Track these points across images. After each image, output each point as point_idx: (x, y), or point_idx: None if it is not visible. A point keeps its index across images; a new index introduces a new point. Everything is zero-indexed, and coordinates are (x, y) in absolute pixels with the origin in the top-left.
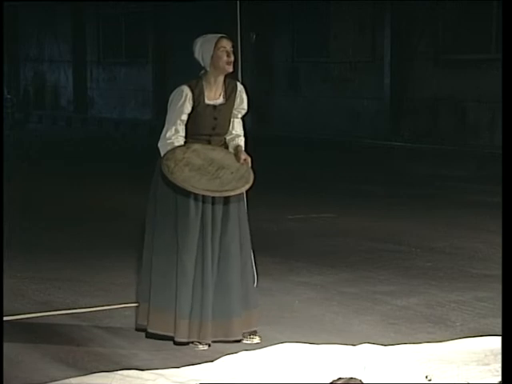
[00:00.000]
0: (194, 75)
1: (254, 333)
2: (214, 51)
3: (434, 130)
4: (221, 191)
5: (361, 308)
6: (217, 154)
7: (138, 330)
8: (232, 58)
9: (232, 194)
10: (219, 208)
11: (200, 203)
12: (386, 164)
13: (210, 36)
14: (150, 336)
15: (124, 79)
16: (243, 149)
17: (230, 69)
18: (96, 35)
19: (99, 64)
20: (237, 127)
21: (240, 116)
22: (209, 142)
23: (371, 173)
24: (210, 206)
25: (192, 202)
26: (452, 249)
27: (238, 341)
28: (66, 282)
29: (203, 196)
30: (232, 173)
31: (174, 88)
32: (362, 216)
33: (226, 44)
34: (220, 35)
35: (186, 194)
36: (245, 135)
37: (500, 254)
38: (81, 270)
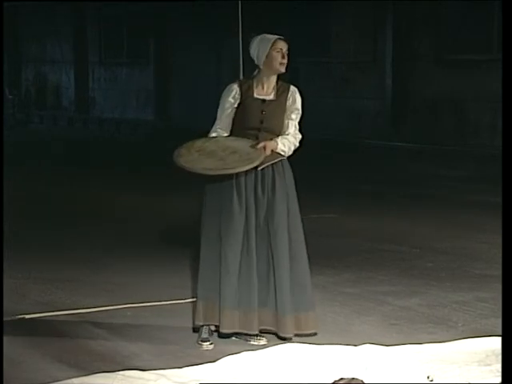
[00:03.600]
0: (196, 75)
1: (262, 334)
2: (270, 51)
3: (434, 130)
4: (219, 169)
5: (362, 308)
6: (236, 143)
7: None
8: (286, 60)
9: (230, 171)
10: (263, 203)
11: (244, 198)
12: (386, 164)
13: (268, 36)
14: (197, 330)
15: (125, 79)
16: (280, 145)
17: (283, 69)
18: (97, 35)
19: (100, 64)
20: (290, 128)
21: (294, 117)
22: (257, 138)
23: (372, 173)
24: (253, 201)
25: (235, 196)
26: (453, 249)
27: (289, 339)
28: (67, 283)
29: (246, 191)
30: (241, 156)
31: (176, 88)
32: (362, 216)
33: (283, 46)
34: (278, 36)
35: (231, 189)
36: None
37: (501, 254)
38: (82, 270)
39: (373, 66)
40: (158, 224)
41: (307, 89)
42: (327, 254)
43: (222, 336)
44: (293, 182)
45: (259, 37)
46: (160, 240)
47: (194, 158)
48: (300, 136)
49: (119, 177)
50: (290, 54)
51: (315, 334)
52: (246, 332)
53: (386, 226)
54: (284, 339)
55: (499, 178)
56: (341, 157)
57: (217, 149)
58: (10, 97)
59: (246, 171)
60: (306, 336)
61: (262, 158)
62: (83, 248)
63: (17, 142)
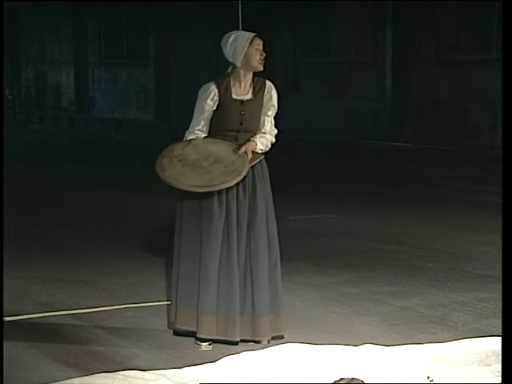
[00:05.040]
0: (196, 75)
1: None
2: (248, 49)
3: (435, 131)
4: (208, 186)
5: (362, 308)
6: (217, 147)
7: (170, 328)
8: (263, 57)
9: (219, 188)
10: (245, 206)
11: (224, 202)
12: (386, 164)
13: (244, 33)
14: (177, 333)
15: (125, 79)
16: (259, 144)
17: (261, 67)
18: (97, 35)
19: (101, 64)
20: (266, 125)
21: (270, 114)
22: (236, 139)
23: (372, 173)
24: (235, 204)
25: (216, 200)
26: (453, 249)
27: (267, 342)
28: (67, 283)
29: (227, 194)
30: (225, 166)
31: (176, 88)
32: (362, 216)
33: (260, 43)
34: (254, 33)
35: (211, 192)
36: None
37: (501, 254)
38: (82, 271)
39: (373, 67)
40: (158, 224)
41: (308, 89)
42: (327, 254)
43: (201, 339)
44: (269, 181)
45: (233, 34)
46: (160, 240)
47: (178, 170)
48: (276, 131)
49: (119, 177)
50: (290, 54)
51: (283, 336)
52: (226, 339)
53: (385, 226)
54: (260, 342)
55: (499, 178)
56: (341, 157)
57: (199, 157)
58: (10, 97)
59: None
60: (277, 338)
61: (247, 167)
62: (83, 248)
63: (17, 142)
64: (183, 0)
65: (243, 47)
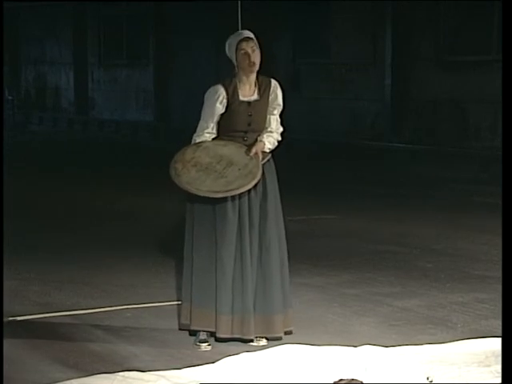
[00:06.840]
0: (196, 75)
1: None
2: (236, 54)
3: (435, 132)
4: (225, 191)
5: (362, 309)
6: (227, 149)
7: (181, 329)
8: (253, 59)
9: (237, 192)
10: (256, 205)
11: (237, 201)
12: (386, 165)
13: (234, 37)
14: (193, 334)
15: (125, 80)
16: (267, 144)
17: (254, 70)
18: (97, 36)
19: (100, 65)
20: (272, 124)
21: (276, 112)
22: (244, 139)
23: (371, 174)
24: (246, 203)
25: (229, 200)
26: (453, 250)
27: (279, 338)
28: (66, 284)
29: (240, 194)
30: (239, 169)
31: (176, 88)
32: (362, 217)
33: (246, 46)
34: (240, 38)
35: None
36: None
37: (501, 255)
38: (82, 272)
39: (373, 67)
40: (158, 225)
41: (307, 90)
42: (327, 255)
43: (219, 340)
44: (276, 179)
45: (230, 38)
46: (159, 241)
47: (193, 176)
48: (281, 129)
49: (119, 178)
50: (290, 55)
51: (292, 331)
52: (242, 337)
53: (385, 227)
54: (274, 339)
55: (499, 179)
56: (341, 158)
57: (211, 160)
58: (10, 98)
59: None
60: (288, 334)
61: (260, 168)
62: (83, 249)
63: (16, 143)
64: (183, 0)
65: (233, 52)
